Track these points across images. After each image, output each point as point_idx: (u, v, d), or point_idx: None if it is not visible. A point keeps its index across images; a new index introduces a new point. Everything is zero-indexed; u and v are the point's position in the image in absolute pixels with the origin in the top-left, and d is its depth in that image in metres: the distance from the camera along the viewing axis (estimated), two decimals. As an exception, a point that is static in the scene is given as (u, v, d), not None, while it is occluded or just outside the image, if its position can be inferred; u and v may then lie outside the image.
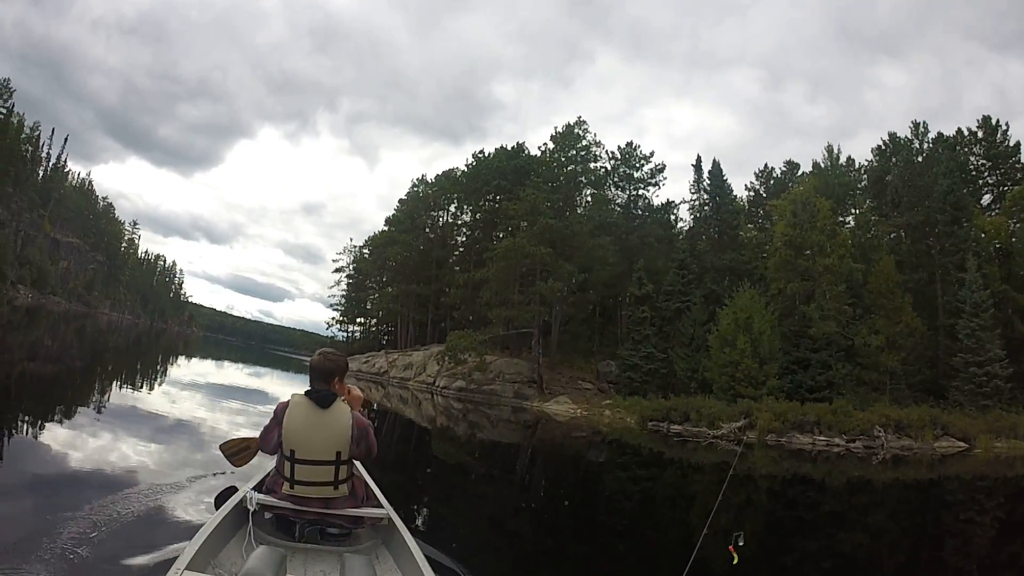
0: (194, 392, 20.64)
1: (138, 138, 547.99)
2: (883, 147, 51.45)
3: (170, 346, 61.83)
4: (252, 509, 4.33)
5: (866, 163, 53.27)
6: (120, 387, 19.06)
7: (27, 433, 9.39)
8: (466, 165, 70.88)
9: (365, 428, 4.59)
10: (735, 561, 4.15)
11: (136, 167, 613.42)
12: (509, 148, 67.18)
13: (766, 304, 39.99)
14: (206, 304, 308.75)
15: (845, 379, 37.34)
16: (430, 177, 76.78)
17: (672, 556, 6.04)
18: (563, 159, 55.36)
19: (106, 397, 15.53)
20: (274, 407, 4.58)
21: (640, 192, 59.42)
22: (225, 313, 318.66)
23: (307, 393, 4.49)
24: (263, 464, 5.28)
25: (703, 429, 31.85)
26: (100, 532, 5.12)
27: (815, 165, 57.71)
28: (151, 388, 20.14)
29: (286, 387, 29.02)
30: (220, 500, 4.81)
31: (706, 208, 57.76)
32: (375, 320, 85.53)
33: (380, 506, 4.91)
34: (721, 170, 55.94)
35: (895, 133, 50.61)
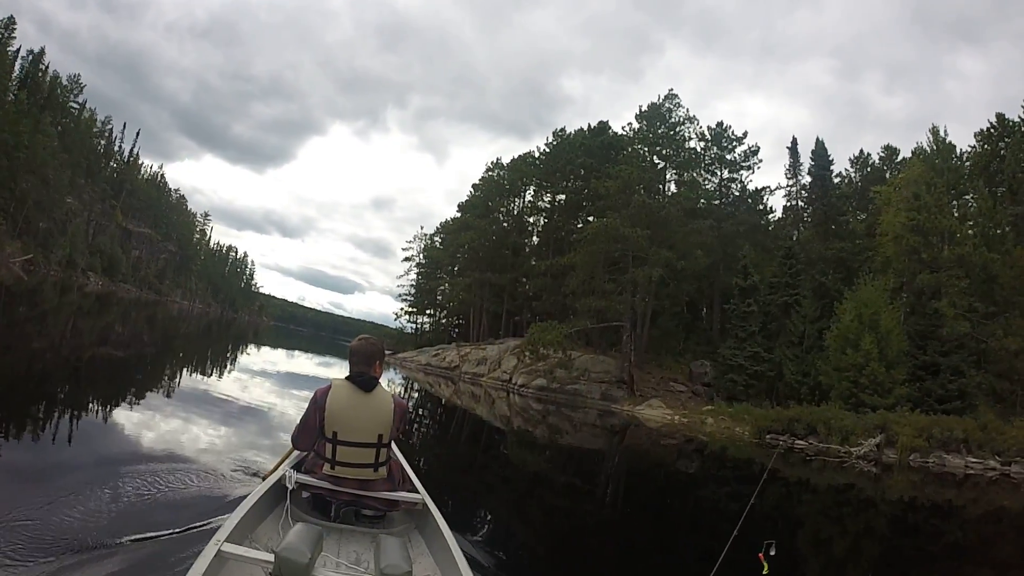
0: (263, 379, 20.72)
1: (213, 136, 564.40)
2: (990, 130, 45.36)
3: (240, 335, 60.85)
4: (290, 487, 4.35)
5: (970, 149, 47.11)
6: (190, 373, 19.04)
7: (95, 415, 9.49)
8: (546, 144, 66.43)
9: (404, 412, 4.77)
10: (765, 572, 3.87)
11: (211, 164, 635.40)
12: (593, 126, 62.71)
13: (890, 299, 35.34)
14: (278, 295, 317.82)
15: (978, 388, 32.84)
16: (505, 160, 72.86)
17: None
18: (651, 137, 50.08)
19: (175, 382, 15.67)
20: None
21: (734, 175, 54.63)
22: (296, 304, 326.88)
23: (348, 377, 4.54)
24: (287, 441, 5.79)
25: (833, 445, 27.29)
26: (147, 504, 5.36)
27: (917, 150, 50.53)
28: (220, 374, 20.08)
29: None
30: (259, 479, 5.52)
31: (804, 193, 53.71)
32: (445, 312, 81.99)
33: (415, 491, 4.86)
34: (826, 150, 51.63)
35: (1003, 115, 44.60)
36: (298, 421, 4.64)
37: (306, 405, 4.58)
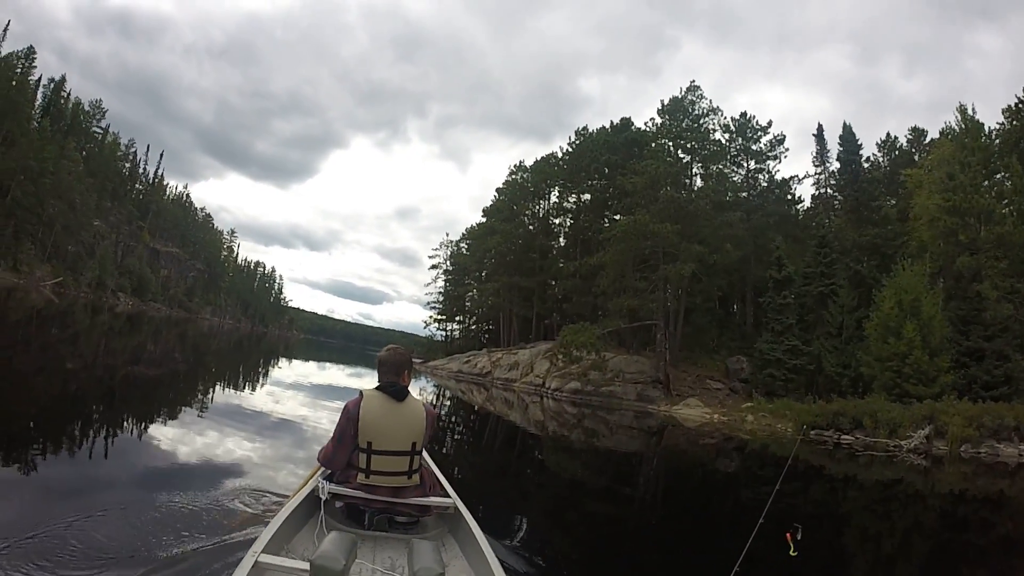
0: (296, 392, 20.81)
1: (235, 155, 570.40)
2: (1019, 105, 42.91)
3: (271, 349, 60.94)
4: (324, 498, 4.40)
5: (998, 126, 45.06)
6: (223, 388, 19.01)
7: (130, 432, 9.59)
8: (568, 144, 65.77)
9: (435, 420, 4.77)
10: (792, 552, 4.15)
11: (235, 182, 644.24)
12: (615, 123, 61.95)
13: (929, 284, 34.52)
14: (307, 308, 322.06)
15: None
16: (528, 163, 72.07)
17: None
18: (676, 131, 49.17)
19: (208, 397, 15.62)
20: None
21: (761, 166, 53.79)
22: (326, 317, 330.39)
23: (379, 387, 4.60)
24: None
25: (881, 439, 26.48)
26: (183, 518, 5.41)
27: (946, 131, 48.63)
28: (253, 389, 20.22)
29: None
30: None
31: (833, 180, 53.09)
32: (474, 318, 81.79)
33: (447, 495, 4.96)
34: (854, 135, 50.64)
35: None
36: (330, 439, 4.66)
37: (338, 417, 4.57)
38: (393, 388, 4.56)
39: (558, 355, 42.90)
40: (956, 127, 46.98)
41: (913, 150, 53.27)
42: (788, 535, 4.25)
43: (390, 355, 4.74)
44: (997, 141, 43.91)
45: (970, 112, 46.95)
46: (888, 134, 55.51)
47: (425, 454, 5.12)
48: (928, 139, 52.87)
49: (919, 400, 28.90)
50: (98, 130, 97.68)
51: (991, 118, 45.36)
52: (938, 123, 53.72)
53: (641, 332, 47.47)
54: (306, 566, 3.33)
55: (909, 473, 19.60)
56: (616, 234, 44.35)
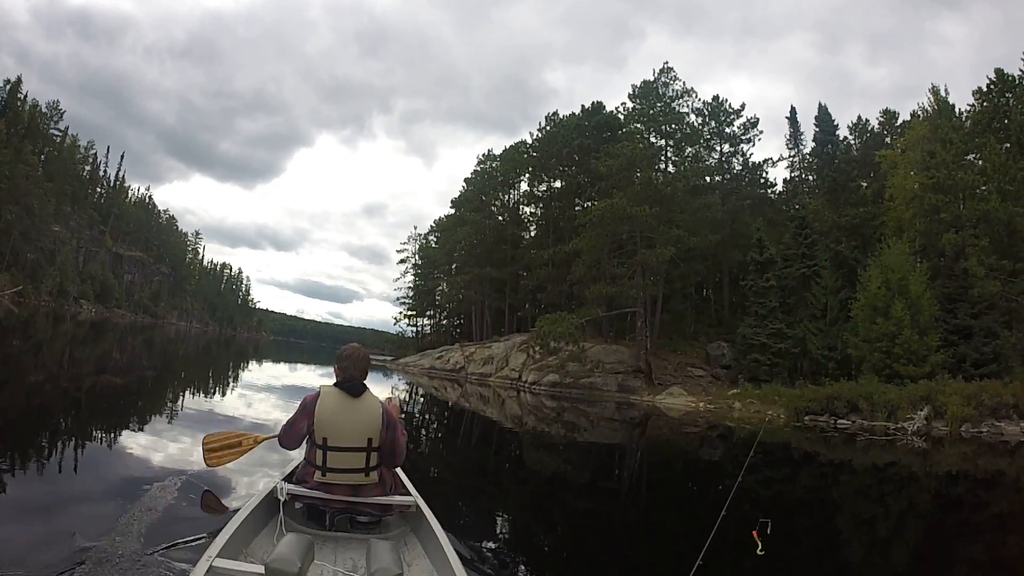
0: (267, 394, 20.31)
1: (200, 156, 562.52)
2: (990, 87, 42.98)
3: (240, 351, 59.93)
4: (282, 499, 4.37)
5: (968, 108, 44.97)
6: (192, 394, 18.58)
7: (95, 442, 9.32)
8: (539, 129, 63.87)
9: (395, 422, 4.71)
10: (759, 549, 4.07)
11: (200, 184, 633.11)
12: (586, 107, 60.19)
13: (915, 263, 33.73)
14: (276, 309, 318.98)
15: (1013, 349, 31.06)
16: (497, 153, 70.31)
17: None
18: (650, 114, 47.81)
19: (176, 404, 15.16)
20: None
21: (734, 149, 53.08)
22: (295, 317, 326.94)
23: (337, 384, 4.60)
24: (292, 456, 5.71)
25: (879, 422, 25.50)
26: (141, 523, 5.15)
27: (919, 112, 48.23)
28: (223, 393, 19.78)
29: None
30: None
31: (806, 163, 52.96)
32: (445, 312, 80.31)
33: (408, 494, 4.95)
34: (830, 116, 50.25)
35: (1002, 70, 42.62)
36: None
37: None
38: (349, 384, 4.56)
39: (534, 347, 41.41)
40: (929, 109, 46.89)
41: (885, 132, 52.49)
42: (755, 532, 4.18)
43: (353, 351, 4.75)
44: (968, 122, 43.68)
45: (943, 93, 47.06)
46: (859, 116, 55.09)
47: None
48: (900, 121, 52.06)
49: (912, 380, 28.10)
50: (56, 132, 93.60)
51: (958, 102, 44.91)
52: (904, 109, 53.09)
53: (618, 320, 46.22)
54: (262, 569, 3.23)
55: (907, 456, 19.11)
56: (592, 219, 42.78)
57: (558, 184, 61.00)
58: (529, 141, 65.45)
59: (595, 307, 42.17)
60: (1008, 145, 39.35)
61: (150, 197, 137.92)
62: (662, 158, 48.18)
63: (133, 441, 9.31)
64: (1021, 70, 42.22)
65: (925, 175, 36.71)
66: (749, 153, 53.45)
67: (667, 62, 49.93)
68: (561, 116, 61.86)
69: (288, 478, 4.77)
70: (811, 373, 35.35)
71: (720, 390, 36.74)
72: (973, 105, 44.81)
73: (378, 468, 4.60)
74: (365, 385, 4.64)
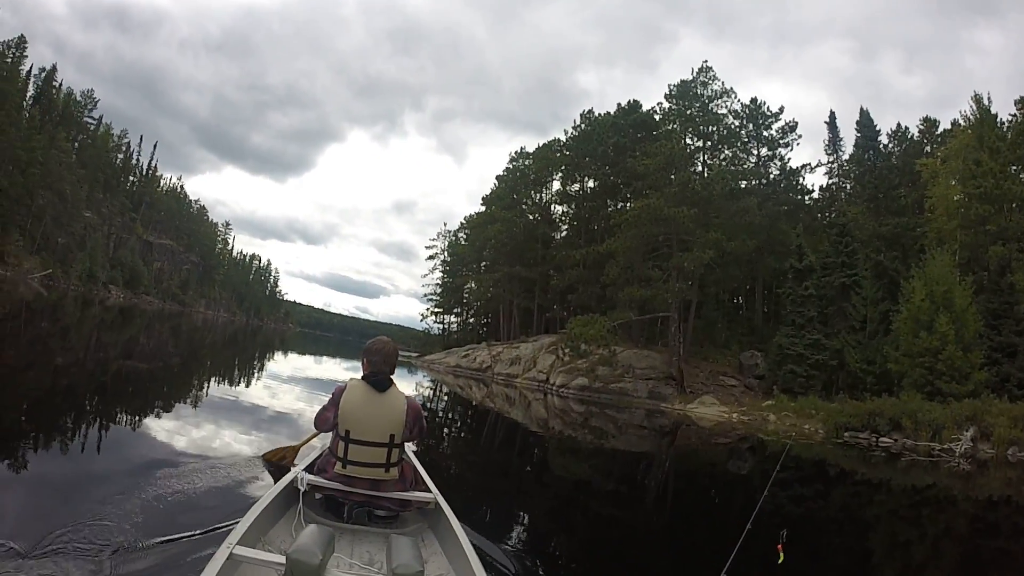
0: (291, 386, 20.11)
1: (232, 148, 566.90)
2: None
3: (267, 342, 59.74)
4: (303, 489, 4.40)
5: (1011, 118, 43.16)
6: (217, 382, 18.69)
7: (119, 427, 9.19)
8: (574, 127, 62.35)
9: (418, 413, 4.76)
10: (780, 560, 4.07)
11: (232, 176, 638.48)
12: (623, 105, 58.97)
13: (959, 276, 32.59)
14: (303, 302, 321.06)
15: None
16: (530, 149, 69.38)
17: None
18: (688, 114, 46.79)
19: (202, 391, 15.21)
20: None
21: (774, 153, 51.85)
22: (322, 310, 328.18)
23: (364, 377, 4.64)
24: (315, 447, 6.29)
25: (923, 442, 24.39)
26: (165, 509, 5.19)
27: (955, 122, 46.97)
28: (248, 382, 20.05)
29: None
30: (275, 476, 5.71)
31: (845, 168, 52.01)
32: (472, 310, 79.59)
33: (428, 490, 4.92)
34: (872, 121, 49.08)
35: None
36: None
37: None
38: (376, 378, 4.59)
39: (564, 349, 40.77)
40: (971, 117, 45.74)
41: (925, 141, 51.12)
42: (779, 546, 4.10)
43: (381, 345, 4.76)
44: (1010, 132, 41.99)
45: (986, 102, 45.91)
46: (899, 124, 54.10)
47: (408, 449, 5.23)
48: (940, 130, 50.81)
49: (956, 399, 26.96)
50: (90, 120, 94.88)
51: (998, 112, 43.94)
52: (960, 110, 51.81)
53: (649, 325, 45.40)
54: (282, 559, 3.21)
55: (949, 478, 18.28)
56: (628, 219, 41.98)
57: (591, 183, 60.07)
58: (563, 140, 64.46)
59: (627, 310, 41.37)
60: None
61: (182, 187, 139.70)
62: (699, 160, 47.20)
63: (157, 426, 9.30)
64: None
65: (971, 184, 35.61)
66: (787, 158, 52.23)
67: (706, 61, 49.49)
68: (597, 114, 60.83)
69: (309, 468, 4.79)
70: (848, 387, 34.35)
71: (753, 400, 35.89)
72: (1015, 115, 43.35)
73: (399, 464, 4.65)
74: (391, 380, 4.68)
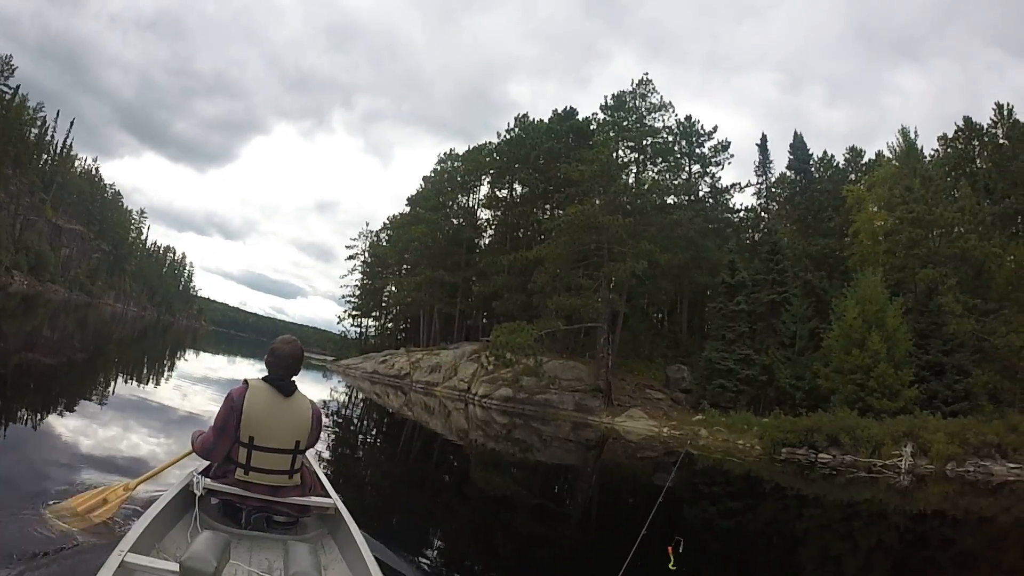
0: (203, 387, 19.33)
1: (154, 134, 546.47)
2: (958, 133, 45.72)
3: (178, 340, 58.49)
4: (198, 494, 4.24)
5: (933, 153, 46.95)
6: (125, 380, 18.00)
7: (21, 423, 8.92)
8: (506, 131, 60.38)
9: (321, 419, 4.63)
10: (671, 565, 4.20)
11: (152, 162, 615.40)
12: (559, 111, 58.04)
13: (890, 296, 32.95)
14: (219, 299, 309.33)
15: (983, 388, 31.04)
16: (461, 148, 67.48)
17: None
18: (625, 125, 46.14)
19: (109, 390, 14.65)
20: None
21: (705, 170, 51.89)
22: (237, 309, 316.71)
23: (267, 379, 4.41)
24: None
25: (864, 459, 24.07)
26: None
27: (879, 153, 50.41)
28: (157, 382, 19.53)
29: (299, 382, 24.86)
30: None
31: (775, 190, 52.31)
32: (391, 315, 77.21)
33: (327, 495, 4.83)
34: (805, 145, 49.67)
35: (970, 118, 45.03)
36: (210, 427, 4.44)
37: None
38: (281, 382, 4.39)
39: (488, 357, 39.07)
40: (897, 148, 47.48)
41: (850, 169, 52.85)
42: (669, 548, 4.27)
43: (290, 348, 4.51)
44: (932, 165, 44.29)
45: (911, 136, 47.70)
46: (825, 151, 54.80)
47: (307, 453, 4.89)
48: (865, 159, 53.00)
49: (888, 415, 27.38)
50: (6, 88, 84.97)
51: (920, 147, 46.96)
52: (887, 141, 53.98)
53: (574, 336, 44.28)
54: (176, 567, 3.11)
55: (887, 493, 18.44)
56: (559, 225, 40.75)
57: (521, 189, 58.57)
58: (494, 143, 62.64)
59: (555, 319, 40.04)
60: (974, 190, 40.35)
61: (97, 169, 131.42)
62: (632, 171, 46.60)
63: (57, 425, 8.89)
64: (991, 120, 44.11)
65: (902, 209, 36.32)
66: (718, 176, 52.32)
67: (646, 73, 48.90)
68: (532, 118, 59.41)
69: (205, 472, 4.49)
70: (777, 402, 34.40)
71: (682, 415, 34.99)
72: (937, 150, 46.70)
73: (301, 470, 4.51)
74: (295, 383, 4.48)
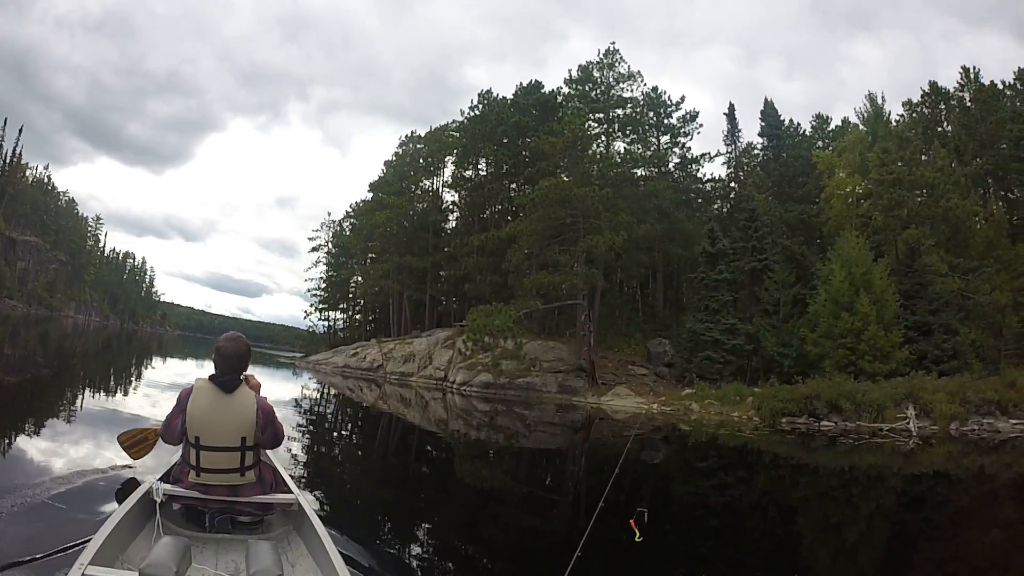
0: (174, 392, 15.38)
1: (107, 137, 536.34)
2: (924, 98, 46.02)
3: (143, 347, 57.10)
4: (159, 500, 4.21)
5: (899, 118, 47.00)
6: (92, 393, 17.57)
7: None
8: (470, 108, 58.13)
9: (270, 414, 4.55)
10: (637, 538, 4.26)
11: (107, 167, 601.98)
12: (523, 84, 55.93)
13: (878, 257, 32.63)
14: (184, 303, 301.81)
15: (971, 346, 30.79)
16: (421, 133, 65.99)
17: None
18: (593, 96, 45.07)
19: (74, 404, 14.26)
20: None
21: (675, 141, 50.80)
22: (203, 312, 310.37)
23: (211, 378, 4.42)
24: (168, 454, 5.54)
25: (867, 424, 23.50)
26: (10, 530, 4.80)
27: (845, 119, 51.60)
28: (125, 391, 19.13)
29: (268, 383, 23.58)
30: (121, 493, 5.27)
31: (745, 159, 52.28)
32: (359, 306, 75.10)
33: (289, 492, 4.79)
34: (776, 111, 49.04)
35: (936, 82, 45.47)
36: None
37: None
38: (223, 379, 4.36)
39: (466, 343, 37.73)
40: (864, 114, 48.03)
41: (816, 136, 52.66)
42: (632, 521, 4.33)
43: (235, 346, 4.50)
44: (900, 129, 44.40)
45: (879, 101, 48.06)
46: (791, 120, 54.25)
47: (268, 451, 5.00)
48: (831, 125, 53.26)
49: (884, 377, 27.08)
50: None
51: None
52: (855, 108, 54.11)
53: (551, 315, 43.07)
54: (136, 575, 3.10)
55: (891, 457, 18.25)
56: (533, 200, 39.05)
57: (486, 167, 56.46)
58: (459, 120, 60.40)
59: (534, 299, 38.55)
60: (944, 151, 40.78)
61: (49, 177, 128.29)
62: (603, 142, 45.61)
63: (28, 447, 8.62)
64: (958, 83, 44.49)
65: (881, 171, 35.79)
66: (688, 147, 51.39)
67: (613, 43, 47.21)
68: (496, 95, 57.17)
69: (164, 478, 4.55)
70: (764, 371, 33.86)
71: (668, 390, 33.94)
72: (902, 115, 46.79)
73: (255, 467, 4.46)
74: (241, 379, 4.44)
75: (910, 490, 13.48)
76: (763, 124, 48.48)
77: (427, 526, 8.12)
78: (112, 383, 21.64)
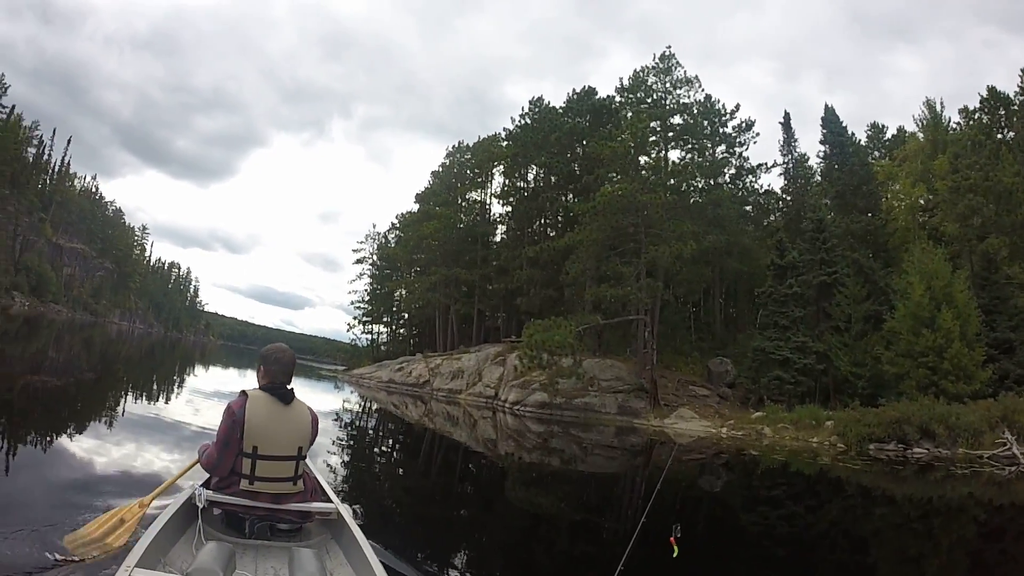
0: (217, 401, 18.44)
1: (155, 151, 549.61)
2: (983, 104, 42.42)
3: (188, 356, 57.46)
4: (201, 506, 4.18)
5: (956, 125, 44.74)
6: (136, 398, 17.61)
7: (31, 445, 8.95)
8: (520, 116, 56.87)
9: (317, 423, 4.62)
10: (675, 554, 4.21)
11: (154, 180, 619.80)
12: (577, 90, 54.60)
13: (953, 269, 30.62)
14: (227, 314, 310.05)
15: None
16: (469, 143, 65.04)
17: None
18: (649, 103, 43.63)
19: (118, 409, 14.18)
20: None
21: (732, 151, 48.83)
22: (247, 323, 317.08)
23: (264, 388, 4.41)
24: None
25: (963, 450, 21.84)
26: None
27: (901, 128, 51.65)
28: (168, 399, 19.23)
29: (310, 395, 22.36)
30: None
31: (808, 167, 50.92)
32: (403, 319, 74.55)
33: (329, 501, 4.81)
34: (838, 118, 46.83)
35: (995, 87, 42.09)
36: (213, 442, 4.38)
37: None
38: (281, 390, 4.39)
39: (521, 359, 36.19)
40: (922, 122, 47.00)
41: (871, 146, 51.89)
42: (672, 539, 4.25)
43: (281, 355, 4.53)
44: (965, 135, 41.97)
45: (937, 108, 46.93)
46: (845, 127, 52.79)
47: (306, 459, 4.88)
48: (888, 135, 52.85)
49: (971, 399, 25.29)
50: (0, 107, 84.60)
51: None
52: (913, 115, 52.61)
53: (608, 331, 41.49)
54: None
55: (985, 487, 17.00)
56: (594, 207, 37.43)
57: (536, 175, 55.22)
58: (505, 132, 59.45)
59: (595, 313, 37.04)
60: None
61: (96, 187, 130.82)
62: (661, 150, 44.25)
63: (67, 446, 8.87)
64: (1019, 86, 41.41)
65: (955, 177, 34.30)
66: (745, 157, 49.49)
67: (669, 47, 45.39)
68: (547, 103, 55.86)
69: (206, 484, 4.40)
70: (835, 392, 32.11)
71: (735, 412, 32.46)
72: (959, 123, 44.47)
73: (303, 476, 4.47)
74: (293, 391, 4.46)
75: (991, 521, 12.65)
76: (824, 131, 46.44)
77: (468, 544, 8.12)
78: (155, 389, 22.01)
